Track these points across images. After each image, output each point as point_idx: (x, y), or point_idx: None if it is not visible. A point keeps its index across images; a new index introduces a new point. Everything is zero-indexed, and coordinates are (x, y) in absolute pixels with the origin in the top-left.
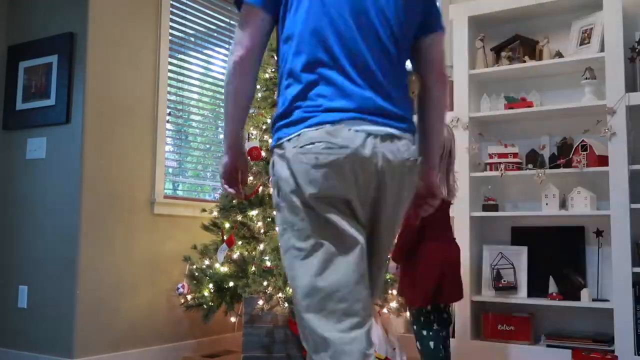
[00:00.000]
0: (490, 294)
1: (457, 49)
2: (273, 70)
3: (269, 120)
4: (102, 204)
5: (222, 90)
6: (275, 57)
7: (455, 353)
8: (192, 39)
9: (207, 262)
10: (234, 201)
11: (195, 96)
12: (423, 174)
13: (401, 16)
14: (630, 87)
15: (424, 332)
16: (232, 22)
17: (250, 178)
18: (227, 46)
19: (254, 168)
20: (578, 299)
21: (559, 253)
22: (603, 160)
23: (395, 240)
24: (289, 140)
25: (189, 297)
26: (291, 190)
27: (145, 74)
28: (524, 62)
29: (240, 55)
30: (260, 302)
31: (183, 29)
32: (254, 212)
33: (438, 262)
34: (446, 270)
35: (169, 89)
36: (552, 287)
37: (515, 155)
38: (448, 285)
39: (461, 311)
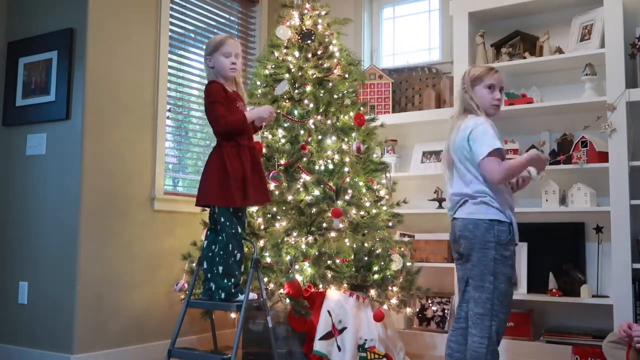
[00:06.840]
0: None
1: (457, 44)
2: (273, 66)
3: None
4: (102, 200)
5: None
6: (276, 54)
7: None
8: (192, 35)
9: None
10: None
11: (195, 92)
12: None
13: None
14: (631, 83)
15: None
16: (231, 17)
17: None
18: None
19: None
20: (578, 295)
21: (558, 249)
22: (603, 157)
23: None
24: None
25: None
26: None
27: (145, 70)
28: (524, 58)
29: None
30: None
31: (183, 24)
32: (254, 209)
33: None
34: None
35: (169, 85)
36: (552, 283)
37: (515, 151)
38: None
39: None
